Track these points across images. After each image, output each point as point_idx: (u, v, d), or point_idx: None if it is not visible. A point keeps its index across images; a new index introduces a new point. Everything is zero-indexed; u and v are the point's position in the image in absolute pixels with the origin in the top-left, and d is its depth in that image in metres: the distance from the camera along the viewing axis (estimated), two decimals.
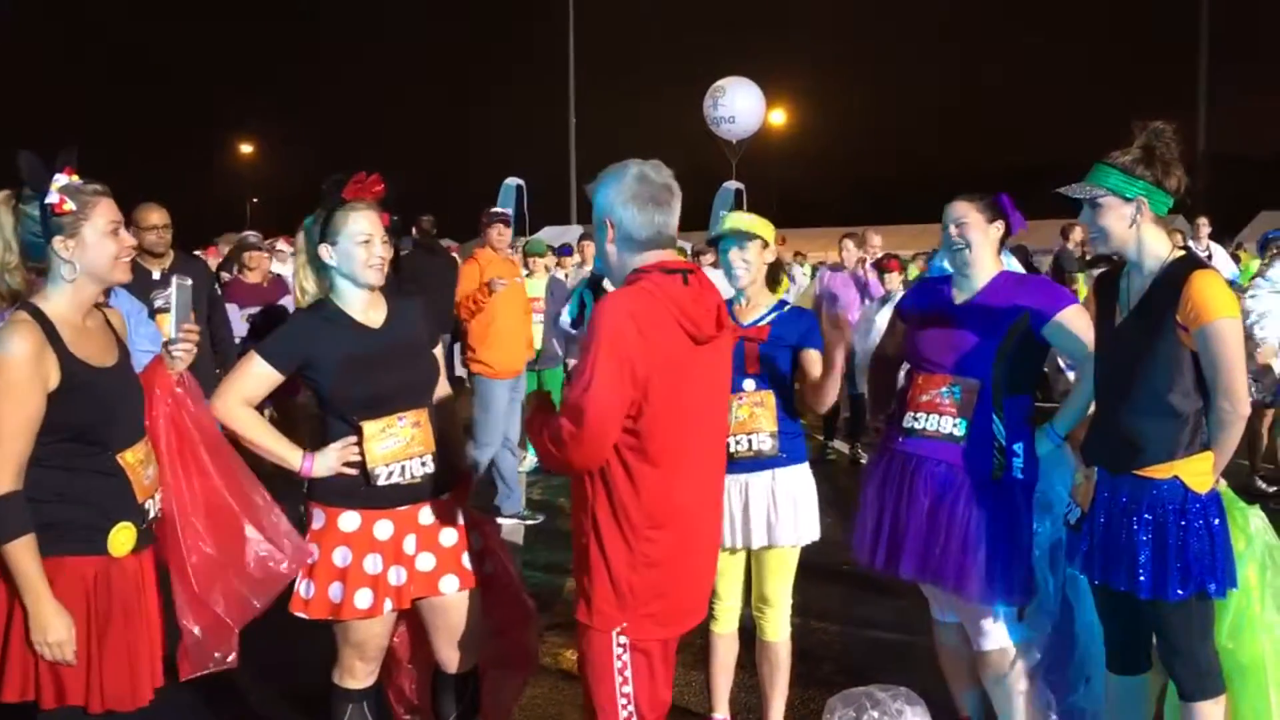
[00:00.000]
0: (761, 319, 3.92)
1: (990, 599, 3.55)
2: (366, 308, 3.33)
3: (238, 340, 7.51)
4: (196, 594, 3.02)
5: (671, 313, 2.72)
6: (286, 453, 3.25)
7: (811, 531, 3.92)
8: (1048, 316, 3.55)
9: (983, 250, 3.68)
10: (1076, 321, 3.52)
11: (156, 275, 5.61)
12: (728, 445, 3.78)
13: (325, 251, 3.25)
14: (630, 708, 2.81)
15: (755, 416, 3.83)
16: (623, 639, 2.79)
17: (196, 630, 3.02)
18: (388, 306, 3.38)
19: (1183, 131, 3.21)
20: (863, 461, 9.01)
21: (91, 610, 2.75)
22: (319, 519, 3.29)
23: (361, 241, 3.23)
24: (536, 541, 7.11)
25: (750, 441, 3.82)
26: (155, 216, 5.78)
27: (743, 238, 3.90)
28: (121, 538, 2.80)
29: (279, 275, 9.10)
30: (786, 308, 3.98)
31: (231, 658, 3.08)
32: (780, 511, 3.84)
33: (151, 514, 2.91)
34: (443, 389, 3.53)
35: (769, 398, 3.85)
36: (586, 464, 2.74)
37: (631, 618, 2.78)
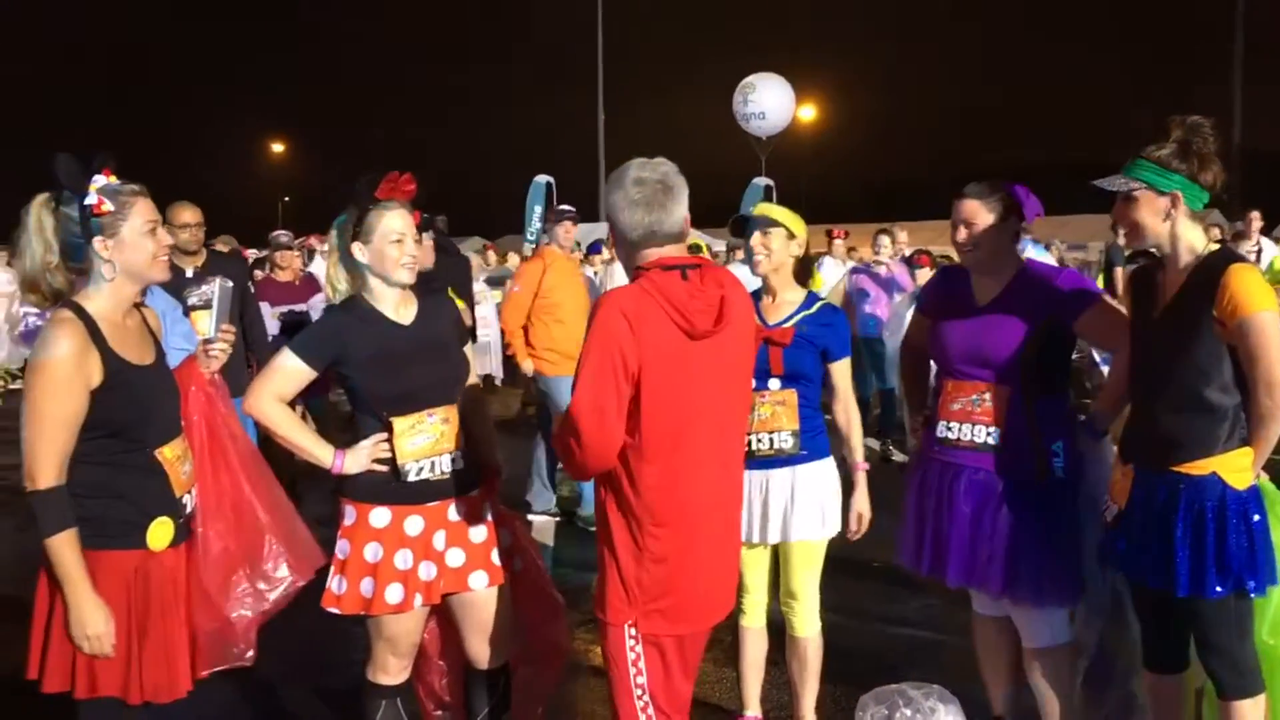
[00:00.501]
0: (788, 319, 3.88)
1: (1041, 602, 3.52)
2: (398, 305, 3.35)
3: (269, 338, 7.57)
4: (213, 591, 3.06)
5: (664, 308, 2.73)
6: (318, 449, 3.27)
7: (834, 525, 3.91)
8: (1078, 313, 3.49)
9: (998, 248, 3.59)
10: (1108, 314, 3.48)
11: (190, 273, 5.66)
12: (749, 443, 3.80)
13: (358, 250, 3.28)
14: (645, 698, 2.83)
15: (777, 415, 3.83)
16: (634, 632, 2.82)
17: (209, 626, 3.06)
18: (418, 304, 3.40)
19: (1220, 126, 3.18)
20: (894, 459, 8.98)
21: (131, 603, 2.80)
22: (350, 515, 3.31)
23: (394, 241, 3.25)
24: (567, 538, 7.12)
25: (772, 440, 3.83)
26: (188, 215, 5.84)
27: (766, 223, 3.88)
28: (160, 532, 2.84)
29: (311, 274, 9.15)
30: (816, 306, 3.92)
31: (250, 654, 3.11)
32: (799, 507, 3.83)
33: (188, 509, 2.96)
34: (472, 386, 3.55)
35: (792, 396, 3.83)
36: (598, 465, 2.75)
37: (640, 613, 2.81)
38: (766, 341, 3.80)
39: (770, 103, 23.59)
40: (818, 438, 3.90)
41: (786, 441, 3.82)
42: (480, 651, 3.48)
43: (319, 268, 9.84)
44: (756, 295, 3.96)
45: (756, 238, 3.89)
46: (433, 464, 3.29)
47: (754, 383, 3.80)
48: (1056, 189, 6.94)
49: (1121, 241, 10.87)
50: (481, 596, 3.41)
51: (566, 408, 2.73)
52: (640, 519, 2.77)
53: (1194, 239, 3.15)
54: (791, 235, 3.89)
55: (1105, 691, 3.58)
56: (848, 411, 3.97)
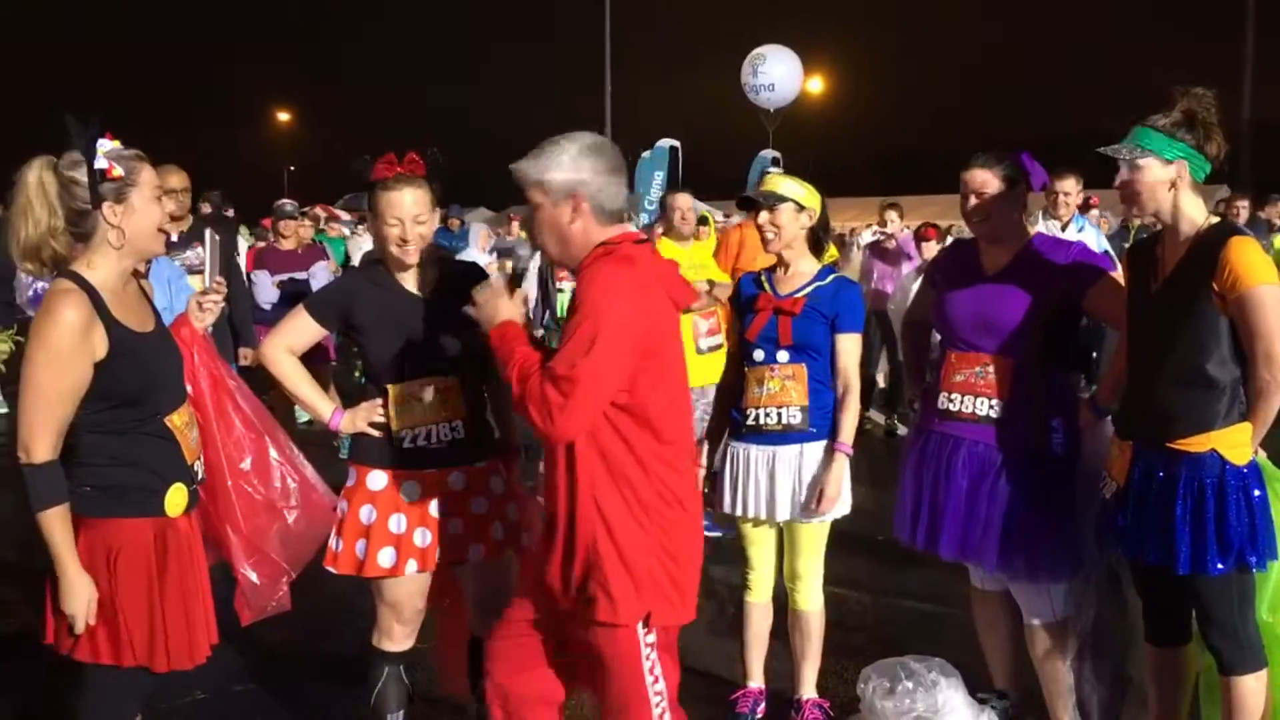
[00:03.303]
0: (799, 290, 3.82)
1: (1036, 577, 3.53)
2: (416, 275, 3.37)
3: (268, 307, 7.57)
4: (251, 540, 3.09)
5: (659, 281, 2.72)
6: (320, 404, 3.41)
7: (844, 506, 3.86)
8: (1087, 287, 3.48)
9: (1008, 218, 3.58)
10: (1119, 291, 3.44)
11: (175, 238, 5.59)
12: (756, 417, 3.81)
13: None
14: (663, 705, 2.75)
15: (786, 390, 3.77)
16: (646, 633, 2.72)
17: (254, 576, 3.11)
18: (440, 275, 3.39)
19: (1224, 99, 3.15)
20: (899, 433, 8.98)
21: (153, 570, 2.78)
22: (351, 477, 3.39)
23: (390, 224, 3.27)
24: None
25: (780, 415, 3.78)
26: (175, 179, 5.76)
27: (773, 199, 3.80)
28: (176, 499, 2.84)
29: (315, 243, 9.17)
30: (830, 278, 3.85)
31: (286, 602, 3.18)
32: (806, 486, 3.78)
33: (199, 475, 2.96)
34: None
35: (801, 371, 3.77)
36: (569, 436, 2.64)
37: (654, 605, 2.71)
38: (776, 312, 3.78)
39: (780, 74, 23.44)
40: (828, 415, 3.82)
41: (795, 417, 3.77)
42: (484, 623, 3.49)
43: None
44: (770, 267, 3.97)
45: (764, 216, 3.81)
46: (428, 432, 3.31)
47: (760, 354, 3.80)
48: (1064, 162, 6.88)
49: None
50: (485, 569, 3.43)
51: (551, 374, 2.59)
52: (648, 502, 2.71)
53: (1195, 211, 3.13)
54: (801, 208, 3.82)
55: (1102, 667, 3.60)
56: (846, 386, 3.82)
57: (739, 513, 3.91)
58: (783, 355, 3.79)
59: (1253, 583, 3.15)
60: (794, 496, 3.80)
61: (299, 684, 4.41)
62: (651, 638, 2.73)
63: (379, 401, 3.34)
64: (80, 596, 2.68)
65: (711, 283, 6.01)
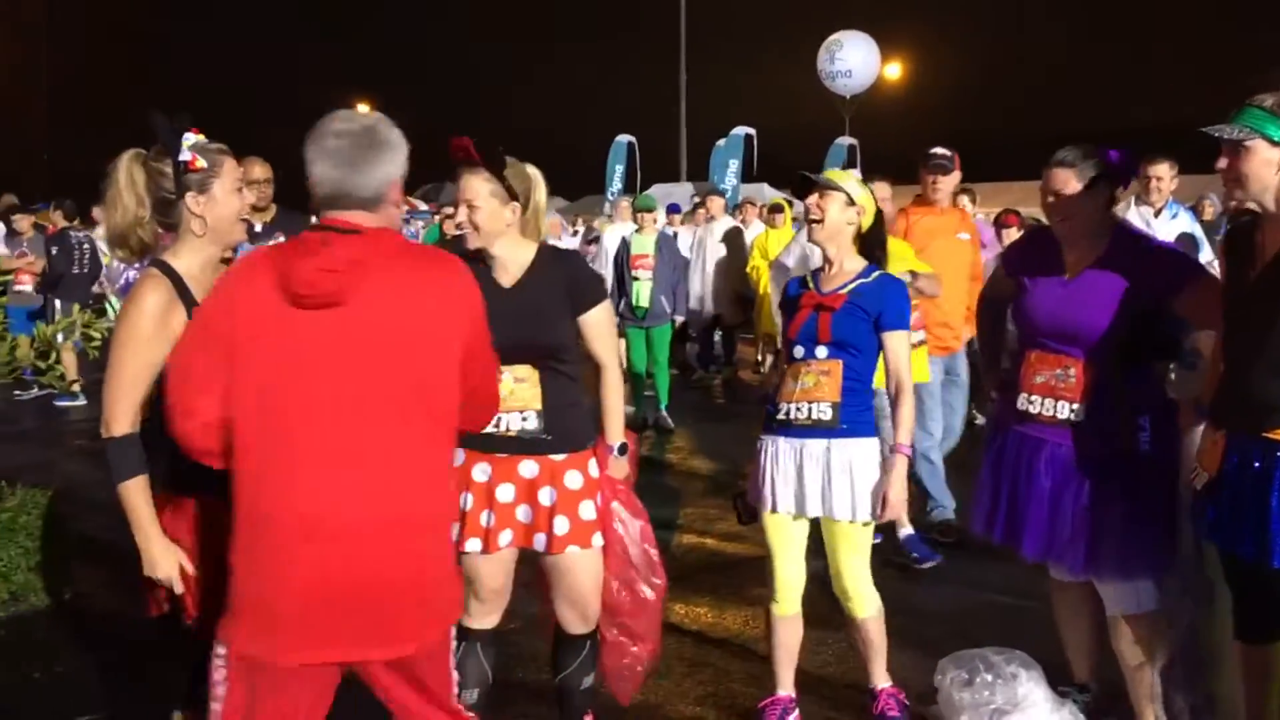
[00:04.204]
0: (842, 287, 3.76)
1: (1126, 572, 3.45)
2: (502, 266, 3.41)
3: None
4: None
5: (274, 271, 2.41)
6: None
7: (865, 510, 3.69)
8: (1178, 290, 3.38)
9: (1091, 218, 3.48)
10: (1212, 291, 3.32)
11: (259, 228, 5.75)
12: (787, 411, 3.73)
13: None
14: None
15: (820, 385, 3.69)
16: (222, 651, 2.46)
17: None
18: (533, 266, 3.43)
19: None
20: (977, 422, 8.86)
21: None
22: None
23: (449, 213, 3.31)
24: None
25: (810, 410, 3.69)
26: (259, 170, 5.90)
27: (826, 185, 3.77)
28: None
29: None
30: (875, 275, 3.78)
31: None
32: (835, 483, 3.67)
33: None
34: (605, 356, 3.54)
35: (837, 367, 3.68)
36: (181, 435, 2.47)
37: (228, 627, 2.44)
38: (817, 308, 3.74)
39: (856, 60, 23.23)
40: (864, 414, 3.72)
41: (825, 413, 3.67)
42: (564, 614, 3.53)
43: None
44: (818, 269, 3.92)
45: (813, 198, 3.77)
46: (500, 419, 3.32)
47: (800, 351, 3.76)
48: (1151, 149, 6.69)
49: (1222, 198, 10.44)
50: (560, 561, 3.44)
51: None
52: (234, 511, 2.44)
53: None
54: (851, 202, 3.77)
55: (1193, 677, 3.51)
56: (899, 385, 3.71)
57: (768, 509, 3.82)
58: (821, 351, 3.72)
59: None
60: (825, 493, 3.71)
61: None
62: (223, 651, 2.45)
63: None
64: (165, 562, 2.80)
65: (914, 273, 5.46)
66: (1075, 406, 3.46)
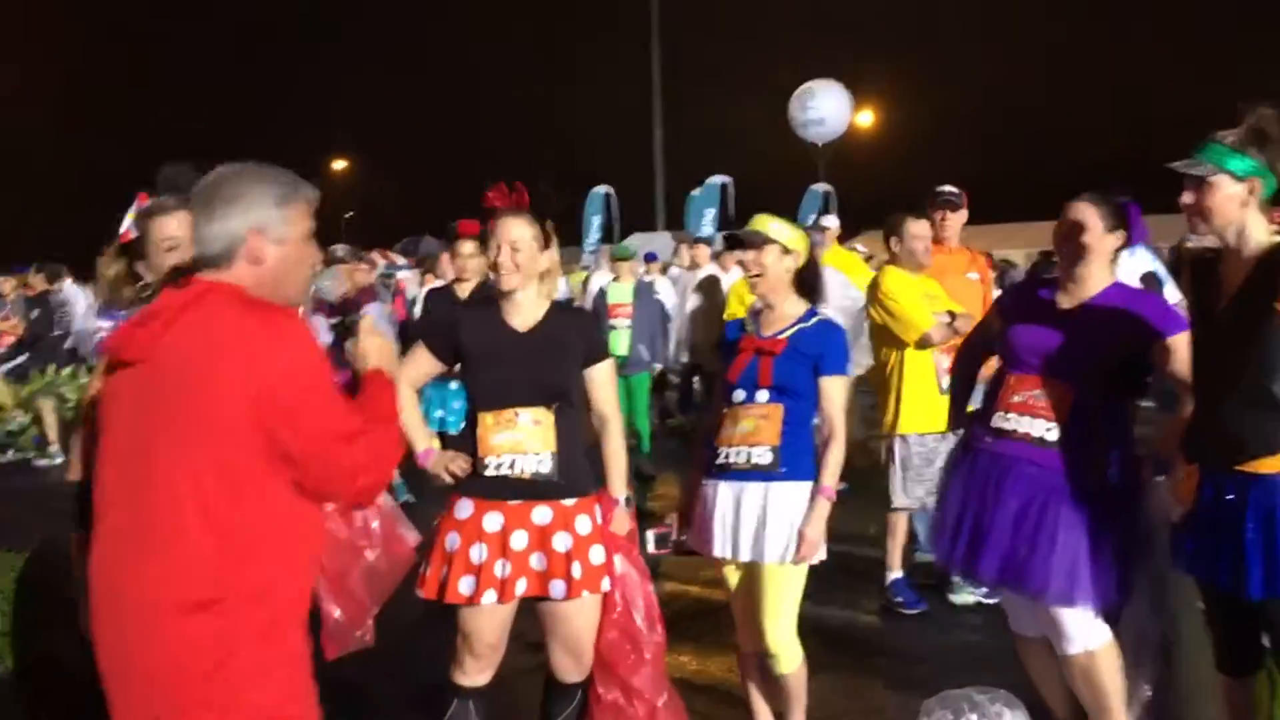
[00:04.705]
0: (782, 331, 3.79)
1: (1073, 599, 3.42)
2: (518, 310, 3.50)
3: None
4: (334, 578, 3.17)
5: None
6: (418, 437, 3.55)
7: (819, 553, 3.67)
8: (1154, 341, 3.44)
9: (1097, 259, 3.54)
10: (1186, 352, 3.35)
11: None
12: (725, 456, 3.73)
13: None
14: None
15: (759, 429, 3.69)
16: None
17: (338, 613, 3.20)
18: (548, 314, 3.52)
19: None
20: None
21: None
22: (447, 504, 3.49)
23: (490, 250, 3.47)
24: None
25: (749, 454, 3.68)
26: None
27: (759, 239, 3.79)
28: None
29: (368, 286, 9.42)
30: (815, 319, 3.80)
31: (369, 637, 3.27)
32: (770, 525, 3.64)
33: None
34: (609, 409, 3.61)
35: (777, 411, 3.69)
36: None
37: None
38: (758, 352, 3.76)
39: (829, 108, 23.47)
40: (802, 458, 3.70)
41: (764, 457, 3.67)
42: (559, 662, 3.51)
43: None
44: (757, 310, 3.93)
45: (750, 255, 3.81)
46: (513, 461, 3.37)
47: (742, 395, 3.78)
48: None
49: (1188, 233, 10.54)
50: (561, 608, 3.42)
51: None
52: None
53: (1259, 230, 3.07)
54: (786, 251, 3.80)
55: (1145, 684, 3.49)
56: (831, 429, 3.71)
57: (710, 552, 3.80)
58: (762, 395, 3.73)
59: None
60: (757, 536, 3.67)
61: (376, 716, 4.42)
62: None
63: (467, 456, 3.44)
64: None
65: (952, 314, 5.36)
66: (1050, 425, 3.48)
